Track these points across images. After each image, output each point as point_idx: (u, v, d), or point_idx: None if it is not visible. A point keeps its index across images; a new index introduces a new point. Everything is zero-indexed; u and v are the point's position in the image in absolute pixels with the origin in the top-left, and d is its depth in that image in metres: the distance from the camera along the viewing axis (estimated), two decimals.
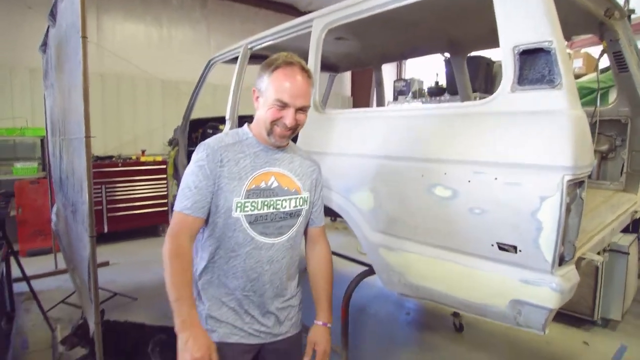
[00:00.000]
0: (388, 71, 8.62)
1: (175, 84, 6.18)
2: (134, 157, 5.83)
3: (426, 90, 5.72)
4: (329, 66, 3.77)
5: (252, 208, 1.25)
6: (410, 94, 6.08)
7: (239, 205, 1.24)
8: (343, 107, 8.64)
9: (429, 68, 6.14)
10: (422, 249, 1.55)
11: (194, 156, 1.27)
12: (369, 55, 3.34)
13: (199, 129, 4.09)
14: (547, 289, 1.22)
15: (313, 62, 2.10)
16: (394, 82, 6.71)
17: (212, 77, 3.51)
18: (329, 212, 1.99)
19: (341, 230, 5.91)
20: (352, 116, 2.08)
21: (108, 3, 6.08)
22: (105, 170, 5.29)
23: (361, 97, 9.04)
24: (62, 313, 3.20)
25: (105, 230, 5.25)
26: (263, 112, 1.26)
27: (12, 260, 2.88)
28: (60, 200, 3.27)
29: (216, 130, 4.11)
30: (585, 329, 3.07)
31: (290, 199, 1.32)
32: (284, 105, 1.22)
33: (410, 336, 3.11)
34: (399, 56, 3.63)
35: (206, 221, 1.27)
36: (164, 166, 5.69)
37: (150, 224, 5.69)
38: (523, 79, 1.30)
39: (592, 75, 3.52)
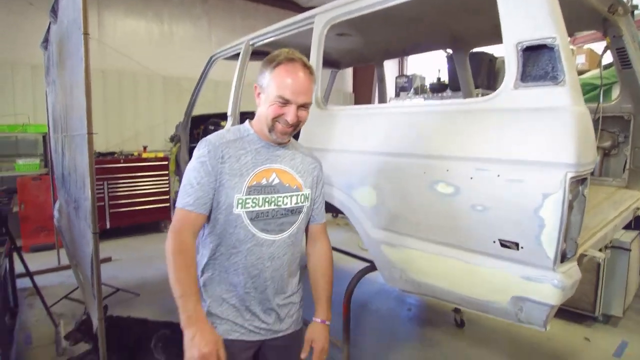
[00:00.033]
0: (390, 67, 8.59)
1: (176, 80, 6.17)
2: (135, 154, 5.84)
3: (428, 86, 5.71)
4: (331, 62, 3.77)
5: (253, 205, 1.25)
6: (412, 90, 6.07)
7: (240, 201, 1.24)
8: (345, 103, 8.63)
9: (431, 64, 6.13)
10: (424, 245, 1.55)
11: (196, 152, 1.26)
12: (371, 51, 3.33)
13: (200, 126, 4.10)
14: (549, 286, 1.22)
15: (315, 59, 2.10)
16: (396, 78, 6.69)
17: (213, 73, 3.51)
18: (331, 209, 1.99)
19: (342, 227, 5.92)
20: (354, 112, 2.08)
21: None
22: (107, 166, 5.30)
23: (363, 93, 9.02)
24: (65, 308, 3.22)
25: (108, 226, 5.27)
26: (264, 109, 1.26)
27: (15, 256, 2.89)
28: (63, 197, 3.28)
29: (218, 127, 4.11)
30: (586, 325, 3.08)
31: (292, 196, 1.32)
32: (285, 102, 1.22)
33: (411, 332, 3.12)
34: (401, 52, 3.62)
35: (207, 218, 1.27)
36: (166, 162, 5.71)
37: (152, 220, 5.71)
38: (526, 76, 1.29)
39: (595, 72, 3.51)
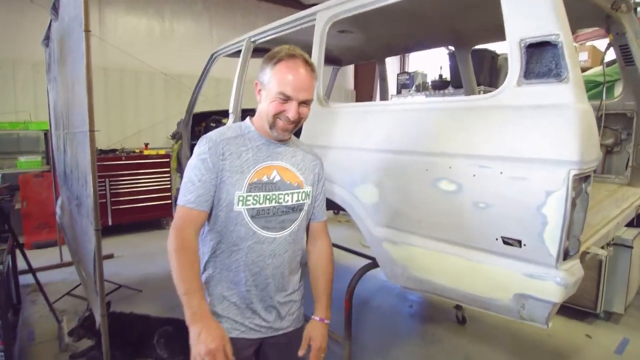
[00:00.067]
0: (391, 64, 8.56)
1: (178, 77, 6.16)
2: (137, 151, 5.85)
3: (430, 83, 5.70)
4: (333, 59, 3.76)
5: (254, 202, 1.25)
6: (413, 87, 6.05)
7: (241, 198, 1.23)
8: (346, 100, 8.61)
9: (432, 61, 6.10)
10: (426, 242, 1.55)
11: (196, 149, 1.26)
12: (373, 48, 3.32)
13: (202, 123, 4.10)
14: (552, 283, 1.22)
15: (317, 55, 2.09)
16: (398, 75, 6.67)
17: (215, 70, 3.50)
18: (333, 206, 1.99)
19: (344, 224, 5.93)
20: (356, 110, 2.08)
21: None
22: (109, 163, 5.31)
23: (364, 90, 8.99)
24: (67, 305, 3.23)
25: (110, 223, 5.29)
26: (265, 105, 1.25)
27: (18, 253, 2.90)
28: (65, 194, 3.29)
29: (219, 124, 4.12)
30: (588, 322, 3.08)
31: (293, 193, 1.31)
32: (286, 99, 1.21)
33: (413, 328, 3.12)
34: (403, 49, 3.61)
35: (208, 215, 1.27)
36: (167, 160, 5.72)
37: (154, 217, 5.72)
38: (529, 73, 1.29)
39: (598, 69, 3.49)
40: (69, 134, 2.62)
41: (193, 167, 1.24)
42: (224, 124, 3.80)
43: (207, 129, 3.90)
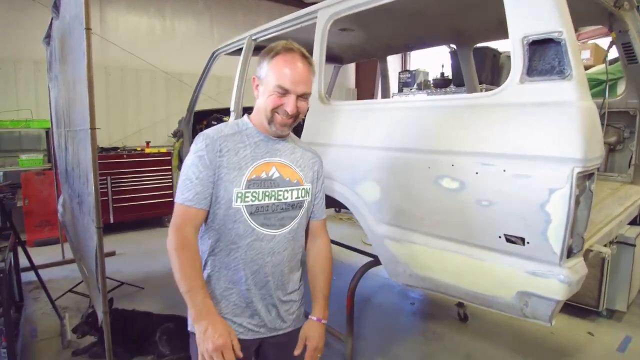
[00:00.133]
0: (393, 63, 8.55)
1: (179, 75, 6.16)
2: (138, 149, 5.86)
3: (431, 81, 5.69)
4: (334, 57, 3.75)
5: (253, 198, 1.23)
6: (415, 85, 6.04)
7: (240, 195, 1.22)
8: (347, 99, 8.59)
9: (434, 59, 6.09)
10: (428, 240, 1.55)
11: (193, 147, 1.24)
12: (374, 46, 3.32)
13: (203, 121, 4.10)
14: (555, 281, 1.22)
15: (318, 54, 2.09)
16: (399, 73, 6.67)
17: (216, 68, 3.50)
18: (334, 203, 1.99)
19: (345, 222, 5.93)
20: (358, 108, 2.07)
21: None
22: (110, 161, 5.32)
23: (365, 89, 8.98)
24: (69, 302, 3.24)
25: (112, 220, 5.30)
26: (263, 100, 1.23)
27: (20, 250, 2.91)
28: (66, 192, 3.30)
29: (220, 122, 4.11)
30: (590, 319, 3.08)
31: (292, 190, 1.30)
32: (284, 92, 1.20)
33: (414, 326, 3.12)
34: (405, 47, 3.59)
35: (207, 213, 1.25)
36: (169, 158, 5.73)
37: (156, 215, 5.73)
38: (532, 70, 1.29)
39: (601, 67, 3.48)
40: (70, 132, 2.62)
41: (190, 164, 1.22)
42: (226, 122, 3.80)
43: (208, 127, 3.89)
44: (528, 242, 1.26)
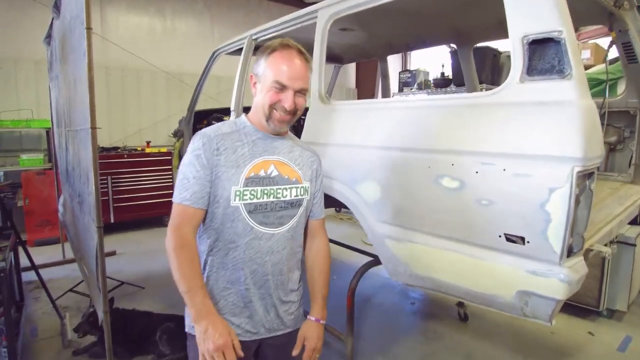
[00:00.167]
0: (393, 62, 8.55)
1: (179, 75, 6.17)
2: (139, 149, 5.86)
3: (432, 81, 5.69)
4: (334, 57, 3.75)
5: (252, 197, 1.22)
6: (415, 85, 6.04)
7: (238, 193, 1.21)
8: (347, 98, 8.60)
9: (434, 59, 6.09)
10: (429, 239, 1.55)
11: (190, 146, 1.24)
12: (375, 46, 3.32)
13: (203, 121, 4.09)
14: (555, 280, 1.22)
15: (318, 53, 2.09)
16: (399, 73, 6.66)
17: (216, 68, 3.50)
18: (335, 203, 1.99)
19: (346, 221, 5.93)
20: (358, 107, 2.07)
21: None
22: (110, 161, 5.32)
23: (366, 88, 8.98)
24: (70, 301, 3.24)
25: (112, 220, 5.30)
26: (261, 97, 1.23)
27: (21, 250, 2.91)
28: (67, 192, 3.30)
29: (221, 122, 4.11)
30: (590, 319, 3.07)
31: (291, 188, 1.29)
32: (282, 88, 1.20)
33: (415, 325, 3.12)
34: (405, 47, 3.59)
35: (205, 212, 1.24)
36: (169, 157, 5.73)
37: (156, 215, 5.72)
38: (532, 69, 1.29)
39: (601, 67, 3.48)
40: (71, 131, 2.62)
41: (188, 163, 1.22)
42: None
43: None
44: (528, 242, 1.26)
